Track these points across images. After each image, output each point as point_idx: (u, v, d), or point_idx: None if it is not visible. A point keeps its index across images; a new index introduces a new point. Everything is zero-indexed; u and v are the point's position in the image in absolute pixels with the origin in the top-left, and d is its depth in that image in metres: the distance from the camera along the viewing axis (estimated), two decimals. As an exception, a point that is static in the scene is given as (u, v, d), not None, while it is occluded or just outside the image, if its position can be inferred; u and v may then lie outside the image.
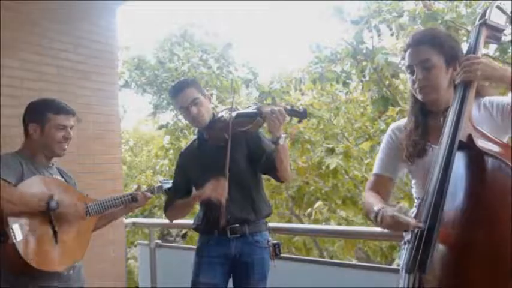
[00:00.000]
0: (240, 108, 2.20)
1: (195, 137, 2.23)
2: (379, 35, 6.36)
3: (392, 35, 6.54)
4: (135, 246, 5.35)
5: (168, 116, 10.33)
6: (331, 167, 5.19)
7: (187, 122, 2.21)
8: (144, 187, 2.19)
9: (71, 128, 1.92)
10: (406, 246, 1.39)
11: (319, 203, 5.65)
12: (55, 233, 1.79)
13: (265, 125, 1.99)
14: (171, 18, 9.97)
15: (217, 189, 1.89)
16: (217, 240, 2.04)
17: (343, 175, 5.62)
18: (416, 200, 1.50)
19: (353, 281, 2.31)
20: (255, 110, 1.97)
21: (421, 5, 5.93)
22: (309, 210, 5.68)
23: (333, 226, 5.16)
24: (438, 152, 1.24)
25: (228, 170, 1.90)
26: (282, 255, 2.12)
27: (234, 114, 1.97)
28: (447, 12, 5.66)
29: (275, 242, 2.09)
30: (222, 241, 2.03)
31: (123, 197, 2.08)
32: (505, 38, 5.55)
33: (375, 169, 1.59)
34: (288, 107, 1.89)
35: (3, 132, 2.81)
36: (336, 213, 5.99)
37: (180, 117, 10.16)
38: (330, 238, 5.64)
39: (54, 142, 1.88)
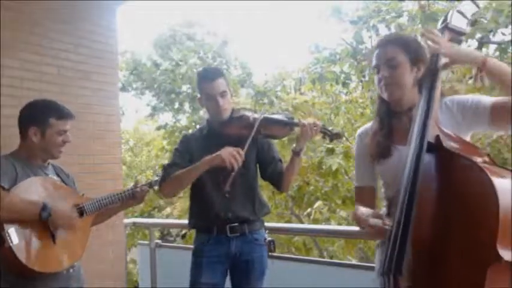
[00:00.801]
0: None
1: (202, 126, 2.21)
2: (377, 35, 6.37)
3: (391, 35, 6.54)
4: (135, 246, 5.35)
5: (167, 117, 10.34)
6: (333, 167, 5.19)
7: (205, 109, 2.15)
8: (143, 182, 2.18)
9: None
10: (379, 249, 1.43)
11: (319, 203, 5.65)
12: (52, 234, 1.78)
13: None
14: (168, 19, 9.97)
15: (235, 155, 1.84)
16: (217, 239, 2.03)
17: (343, 175, 5.62)
18: (385, 201, 1.52)
19: (353, 281, 2.31)
20: (287, 119, 2.01)
21: (417, 5, 5.93)
22: (308, 210, 5.68)
23: (333, 226, 5.16)
24: (407, 153, 1.27)
25: (246, 149, 1.87)
26: (281, 255, 2.13)
27: (261, 116, 1.96)
28: (445, 12, 5.65)
29: (270, 239, 2.11)
30: (222, 240, 2.03)
31: (120, 193, 2.08)
32: (505, 38, 5.56)
33: (355, 181, 1.63)
34: (322, 124, 1.95)
35: (3, 132, 2.81)
36: (335, 213, 5.99)
37: (179, 117, 10.18)
38: (330, 238, 5.64)
39: (54, 146, 1.87)
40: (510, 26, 5.18)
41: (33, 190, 1.78)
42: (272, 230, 2.18)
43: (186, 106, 9.82)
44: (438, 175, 1.22)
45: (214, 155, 1.88)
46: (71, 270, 1.88)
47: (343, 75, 6.85)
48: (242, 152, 1.85)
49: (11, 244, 1.65)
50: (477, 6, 1.40)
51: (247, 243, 2.04)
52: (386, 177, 1.51)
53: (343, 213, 5.93)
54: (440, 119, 1.35)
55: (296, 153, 2.01)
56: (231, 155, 1.84)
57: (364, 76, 6.49)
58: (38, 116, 1.86)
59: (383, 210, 1.48)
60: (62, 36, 3.35)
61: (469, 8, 1.38)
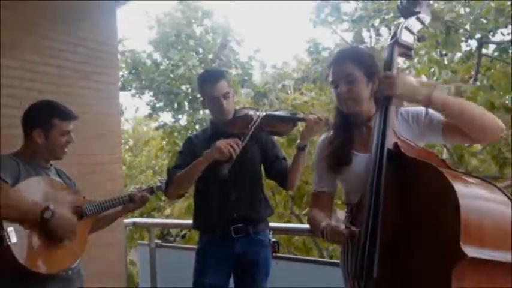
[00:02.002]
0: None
1: (206, 127, 2.21)
2: (377, 35, 6.38)
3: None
4: (135, 247, 5.35)
5: (166, 117, 10.34)
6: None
7: (207, 111, 2.15)
8: (144, 186, 2.17)
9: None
10: (344, 256, 1.49)
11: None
12: (52, 235, 1.76)
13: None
14: (169, 18, 9.88)
15: (232, 144, 1.83)
16: (221, 240, 2.02)
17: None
18: (346, 206, 1.56)
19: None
20: (289, 115, 2.01)
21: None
22: (307, 209, 5.67)
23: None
24: (368, 160, 1.34)
25: (245, 142, 1.88)
26: (281, 255, 2.13)
27: (263, 113, 1.97)
28: (446, 12, 5.67)
29: (274, 240, 2.11)
30: (226, 241, 2.01)
31: (121, 197, 2.07)
32: (504, 38, 5.58)
33: (312, 187, 1.67)
34: (327, 118, 1.94)
35: (3, 132, 2.81)
36: (335, 213, 5.98)
37: (180, 116, 10.18)
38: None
39: (58, 147, 1.88)
40: (510, 26, 5.19)
41: (34, 189, 1.78)
42: (272, 230, 2.17)
43: (185, 106, 9.82)
44: (399, 180, 1.27)
45: (211, 148, 1.87)
46: (70, 272, 1.87)
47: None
48: (239, 141, 1.85)
49: (9, 243, 1.64)
50: (423, 23, 1.48)
51: (252, 244, 2.03)
52: (347, 184, 1.55)
53: (343, 213, 5.92)
54: (396, 127, 1.41)
55: (301, 149, 2.00)
56: (228, 144, 1.83)
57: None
58: (42, 117, 1.86)
59: (344, 215, 1.54)
60: (62, 36, 3.35)
61: (415, 25, 1.46)
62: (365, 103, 1.50)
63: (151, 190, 2.13)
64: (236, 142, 1.85)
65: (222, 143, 1.84)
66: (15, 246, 1.66)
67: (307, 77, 7.05)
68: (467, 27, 5.57)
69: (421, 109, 1.46)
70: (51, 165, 1.96)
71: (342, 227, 1.31)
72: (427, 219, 1.20)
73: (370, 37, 6.49)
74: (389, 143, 1.31)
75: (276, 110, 2.10)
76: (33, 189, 1.78)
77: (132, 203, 2.08)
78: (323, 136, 1.68)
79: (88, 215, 1.94)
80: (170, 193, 2.10)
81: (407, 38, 1.44)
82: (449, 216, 1.12)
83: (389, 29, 6.41)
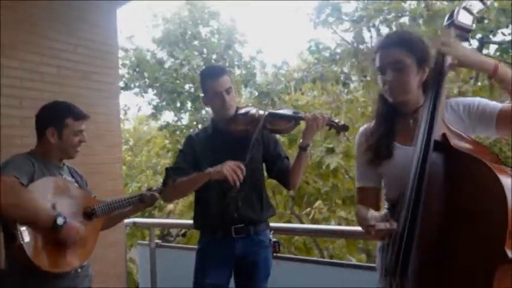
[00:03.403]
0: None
1: (207, 125, 2.20)
2: (378, 35, 6.36)
3: (392, 35, 6.53)
4: (135, 247, 5.35)
5: (169, 116, 10.33)
6: (332, 166, 5.19)
7: (209, 108, 2.13)
8: (154, 187, 2.18)
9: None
10: (381, 253, 1.42)
11: (319, 203, 5.65)
12: (61, 238, 1.78)
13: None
14: (175, 17, 9.89)
15: (237, 171, 1.82)
16: (222, 241, 2.02)
17: (343, 175, 5.62)
18: (386, 203, 1.50)
19: (353, 281, 2.31)
20: (291, 113, 2.00)
21: (422, 5, 5.93)
22: (308, 209, 5.68)
23: (333, 226, 5.16)
24: (412, 153, 1.26)
25: (247, 161, 1.86)
26: (282, 255, 2.13)
27: (266, 112, 1.96)
28: (447, 12, 5.65)
29: (275, 240, 2.10)
30: (227, 241, 2.01)
31: (131, 198, 2.10)
32: (505, 38, 5.56)
33: (356, 182, 1.59)
34: (328, 117, 1.94)
35: (3, 132, 2.81)
36: (335, 213, 5.99)
37: (182, 116, 10.18)
38: (330, 238, 5.64)
39: (71, 146, 1.92)
40: (511, 26, 5.17)
41: (47, 189, 1.81)
42: (272, 230, 2.17)
43: (188, 105, 9.82)
44: (445, 174, 1.21)
45: (216, 169, 1.86)
46: (79, 270, 1.90)
47: (343, 76, 6.86)
48: (243, 166, 1.84)
49: (22, 242, 1.67)
50: (483, 3, 1.39)
51: (253, 244, 2.03)
52: (388, 178, 1.48)
53: (343, 213, 5.93)
54: (446, 119, 1.33)
55: (303, 149, 1.99)
56: (233, 171, 1.82)
57: (365, 76, 6.49)
58: (55, 117, 1.91)
59: (385, 211, 1.45)
60: (62, 36, 3.35)
61: (475, 5, 1.37)
62: (413, 93, 1.41)
63: (161, 190, 2.14)
64: (240, 168, 1.83)
65: (227, 168, 1.82)
66: (28, 246, 1.69)
67: (307, 77, 7.04)
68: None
69: (472, 100, 1.39)
70: (63, 164, 2.00)
71: (381, 223, 1.24)
72: (471, 217, 1.13)
73: (371, 37, 6.47)
74: (437, 134, 1.23)
75: (280, 109, 2.09)
76: (46, 189, 1.81)
77: (142, 202, 2.11)
78: (363, 127, 1.59)
79: (98, 215, 1.97)
80: (167, 196, 2.12)
81: (465, 19, 1.34)
82: (495, 216, 1.07)
83: (391, 29, 6.39)
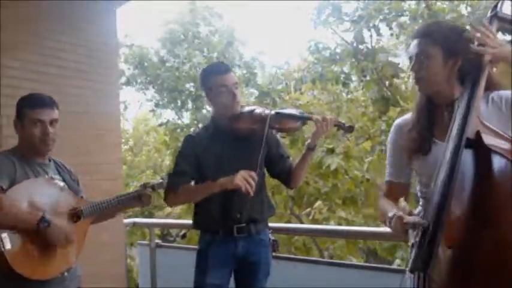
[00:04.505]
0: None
1: (207, 124, 2.17)
2: (378, 35, 6.37)
3: (392, 34, 6.54)
4: (135, 246, 5.35)
5: (169, 114, 10.33)
6: (332, 167, 5.19)
7: (216, 104, 2.04)
8: (150, 183, 2.11)
9: (51, 123, 1.80)
10: (412, 249, 1.39)
11: (318, 203, 5.65)
12: (47, 241, 1.73)
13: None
14: (178, 16, 9.89)
15: (249, 181, 1.80)
16: (223, 240, 1.99)
17: (343, 175, 5.61)
18: (421, 200, 1.47)
19: (353, 281, 2.31)
20: (298, 113, 1.99)
21: (422, 5, 5.93)
22: (308, 210, 5.68)
23: (333, 226, 5.16)
24: (445, 149, 1.22)
25: (258, 166, 1.85)
26: (282, 255, 2.12)
27: (273, 112, 1.94)
28: (448, 12, 5.66)
29: (273, 238, 2.10)
30: (228, 241, 1.99)
31: (120, 197, 2.03)
32: (506, 38, 5.56)
33: (387, 175, 1.55)
34: (335, 118, 1.94)
35: (3, 132, 2.81)
36: (335, 213, 5.99)
37: (181, 115, 10.18)
38: (330, 238, 5.64)
39: (35, 138, 1.79)
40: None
41: (28, 191, 1.74)
42: (272, 230, 2.16)
43: (189, 105, 9.82)
44: (476, 173, 1.17)
45: (228, 179, 1.84)
46: (66, 274, 1.84)
47: (343, 75, 6.86)
48: (255, 175, 1.83)
49: (3, 249, 1.62)
50: None
51: (254, 244, 2.01)
52: (423, 174, 1.43)
53: (343, 214, 5.93)
54: (485, 115, 1.28)
55: (311, 149, 1.99)
56: (246, 180, 1.81)
57: (365, 76, 6.49)
58: (17, 108, 1.84)
59: (419, 209, 1.44)
60: (62, 36, 3.35)
61: None
62: (441, 84, 1.37)
63: (152, 187, 2.09)
64: (253, 177, 1.82)
65: (240, 179, 1.81)
66: (9, 253, 1.63)
67: (306, 77, 7.04)
68: (468, 27, 5.55)
69: None
70: (50, 160, 1.91)
71: (409, 217, 1.22)
72: (497, 218, 1.11)
73: (371, 37, 6.47)
74: (471, 132, 1.18)
75: (283, 109, 2.08)
76: (28, 192, 1.73)
77: (133, 200, 2.05)
78: (399, 120, 1.55)
79: (85, 216, 1.89)
80: (171, 201, 2.06)
81: (509, 11, 1.29)
82: None
83: (391, 29, 6.39)
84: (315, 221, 5.68)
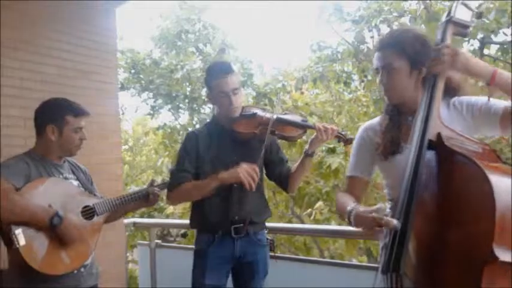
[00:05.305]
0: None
1: (209, 122, 2.17)
2: (379, 35, 6.35)
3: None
4: (135, 247, 5.35)
5: (166, 117, 10.32)
6: (333, 167, 5.18)
7: (215, 107, 2.07)
8: (157, 182, 2.17)
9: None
10: (383, 251, 1.40)
11: (319, 203, 5.64)
12: (60, 238, 1.77)
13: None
14: (173, 16, 9.86)
15: (252, 175, 1.81)
16: (221, 241, 2.00)
17: (344, 175, 5.61)
18: (389, 202, 1.51)
19: (353, 281, 2.30)
20: (300, 121, 1.98)
21: (422, 5, 5.92)
22: (308, 210, 5.67)
23: (333, 226, 5.15)
24: (409, 151, 1.26)
25: (258, 167, 1.86)
26: (282, 255, 2.12)
27: (274, 117, 1.93)
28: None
29: (270, 238, 2.11)
30: (226, 241, 1.99)
31: (134, 194, 2.08)
32: (506, 39, 5.55)
33: (348, 171, 1.62)
34: (338, 129, 1.95)
35: (3, 132, 2.81)
36: (336, 213, 5.98)
37: (181, 115, 10.17)
38: (331, 238, 5.63)
39: (72, 144, 1.90)
40: (511, 27, 5.16)
41: (44, 192, 1.78)
42: (273, 230, 2.17)
43: (185, 108, 9.80)
44: (438, 173, 1.21)
45: (230, 173, 1.84)
46: (82, 269, 1.88)
47: (344, 75, 6.86)
48: (258, 169, 1.83)
49: (18, 246, 1.66)
50: None
51: (252, 244, 2.02)
52: (389, 177, 1.49)
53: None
54: (447, 120, 1.31)
55: (309, 155, 1.99)
56: (248, 174, 1.81)
57: (365, 76, 6.49)
58: (55, 114, 1.88)
59: (387, 211, 1.46)
60: (62, 36, 3.35)
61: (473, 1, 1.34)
62: (408, 94, 1.41)
63: (164, 186, 2.14)
64: (256, 171, 1.82)
65: (242, 172, 1.81)
66: (24, 249, 1.67)
67: (307, 76, 7.04)
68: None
69: (475, 99, 1.38)
70: (64, 161, 1.97)
71: (371, 213, 1.26)
72: (461, 216, 1.13)
73: (372, 37, 6.46)
74: (433, 134, 1.22)
75: (285, 113, 2.06)
76: (42, 189, 1.78)
77: (146, 200, 2.11)
78: (367, 123, 1.61)
79: (99, 214, 1.95)
80: (171, 199, 2.06)
81: (463, 15, 1.31)
82: (483, 215, 1.06)
83: (391, 29, 6.38)
84: (316, 221, 5.66)
